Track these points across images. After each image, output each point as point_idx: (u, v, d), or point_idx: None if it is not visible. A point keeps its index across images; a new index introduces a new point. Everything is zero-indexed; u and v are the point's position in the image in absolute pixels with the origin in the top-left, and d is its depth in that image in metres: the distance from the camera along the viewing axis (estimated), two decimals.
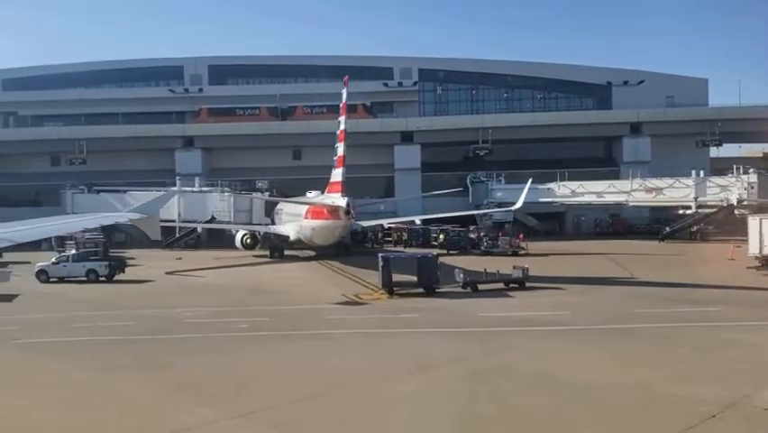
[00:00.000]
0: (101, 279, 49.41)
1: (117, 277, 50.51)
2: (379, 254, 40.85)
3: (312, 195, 66.07)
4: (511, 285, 41.41)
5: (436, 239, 72.04)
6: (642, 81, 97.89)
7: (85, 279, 49.28)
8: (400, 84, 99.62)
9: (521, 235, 67.88)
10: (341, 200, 50.20)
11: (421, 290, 39.33)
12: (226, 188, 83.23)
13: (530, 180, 67.70)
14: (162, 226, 79.26)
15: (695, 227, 75.78)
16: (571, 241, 78.86)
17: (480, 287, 40.50)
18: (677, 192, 75.21)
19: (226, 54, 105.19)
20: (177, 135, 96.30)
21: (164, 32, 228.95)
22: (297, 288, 44.76)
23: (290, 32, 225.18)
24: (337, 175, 51.10)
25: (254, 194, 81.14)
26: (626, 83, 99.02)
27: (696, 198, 73.14)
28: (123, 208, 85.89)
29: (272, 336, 28.53)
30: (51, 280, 49.51)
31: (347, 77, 55.10)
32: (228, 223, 78.84)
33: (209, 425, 17.03)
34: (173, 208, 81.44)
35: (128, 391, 20.62)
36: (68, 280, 49.55)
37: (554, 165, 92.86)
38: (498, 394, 19.20)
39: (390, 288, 38.93)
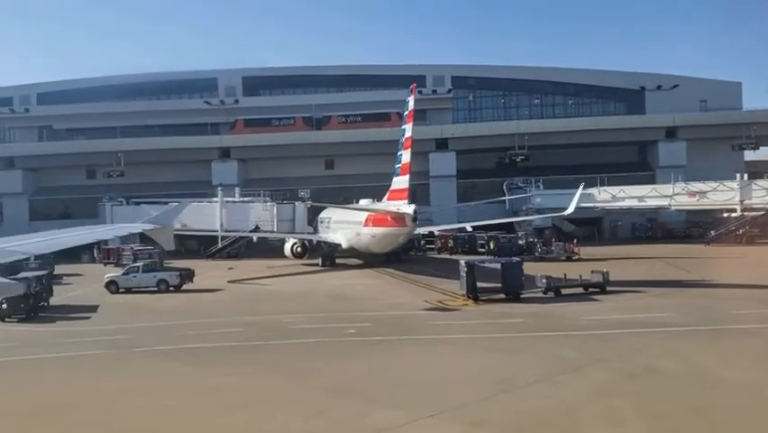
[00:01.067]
0: (170, 289, 49.75)
1: (185, 287, 50.77)
2: (462, 261, 41.11)
3: (364, 203, 66.52)
4: (590, 289, 41.65)
5: (483, 246, 72.43)
6: (676, 86, 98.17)
7: (155, 289, 49.61)
8: (434, 91, 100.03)
9: (575, 241, 68.05)
10: (408, 207, 50.56)
11: (502, 295, 39.62)
12: (267, 198, 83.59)
13: (582, 185, 67.84)
14: (202, 236, 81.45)
15: (740, 230, 75.89)
16: (614, 246, 78.89)
17: (562, 291, 40.76)
18: (721, 195, 75.36)
19: (258, 66, 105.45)
20: (214, 147, 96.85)
21: (195, 46, 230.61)
22: (371, 294, 45.05)
23: (318, 44, 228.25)
24: (402, 182, 51.44)
25: (296, 203, 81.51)
26: (659, 88, 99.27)
27: (742, 201, 73.22)
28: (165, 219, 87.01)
29: (390, 341, 28.85)
30: (120, 290, 49.81)
31: (414, 84, 55.73)
32: (272, 232, 79.35)
33: (407, 425, 17.28)
34: (215, 219, 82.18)
35: (290, 394, 20.94)
36: (135, 290, 49.82)
37: (588, 170, 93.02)
38: (677, 393, 19.40)
39: (475, 294, 39.16)
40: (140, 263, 52.51)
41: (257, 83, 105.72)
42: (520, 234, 72.65)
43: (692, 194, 77.56)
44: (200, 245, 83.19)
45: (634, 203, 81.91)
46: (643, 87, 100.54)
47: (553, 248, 64.72)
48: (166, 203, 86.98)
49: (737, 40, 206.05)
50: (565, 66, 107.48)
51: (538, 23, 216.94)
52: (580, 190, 67.09)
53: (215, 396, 20.89)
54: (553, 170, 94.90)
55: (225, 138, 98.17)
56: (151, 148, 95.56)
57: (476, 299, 39.09)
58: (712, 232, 77.14)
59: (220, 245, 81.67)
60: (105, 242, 78.05)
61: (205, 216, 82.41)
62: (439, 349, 26.88)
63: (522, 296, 39.55)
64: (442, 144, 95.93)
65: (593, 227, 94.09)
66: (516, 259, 41.44)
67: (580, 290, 41.74)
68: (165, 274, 50.87)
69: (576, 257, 63.97)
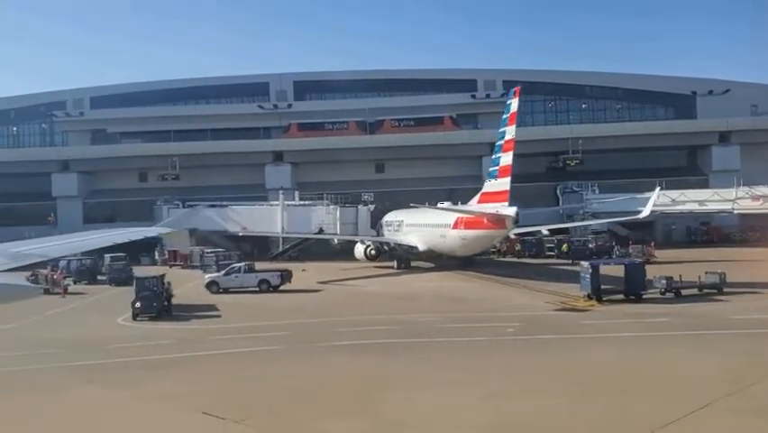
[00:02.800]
0: (270, 289, 50.34)
1: (282, 288, 51.27)
2: (584, 263, 41.63)
3: (444, 205, 67.24)
4: (705, 290, 42.03)
5: (553, 249, 72.94)
6: (727, 90, 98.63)
7: (257, 289, 50.18)
8: (488, 96, 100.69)
9: (652, 244, 68.48)
10: (509, 209, 51.11)
11: (621, 296, 40.09)
12: (328, 202, 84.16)
13: (658, 189, 68.37)
14: (256, 239, 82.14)
15: None
16: (675, 249, 79.11)
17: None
18: None
19: (308, 70, 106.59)
20: (267, 150, 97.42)
21: (244, 50, 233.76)
22: (481, 296, 45.51)
23: (364, 48, 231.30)
24: (501, 184, 51.88)
25: (359, 206, 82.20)
26: (710, 92, 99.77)
27: None
28: (224, 222, 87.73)
29: (564, 339, 29.43)
30: (220, 290, 50.33)
31: (519, 88, 55.91)
32: (334, 234, 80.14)
33: (687, 417, 17.79)
34: (276, 221, 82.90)
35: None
36: (232, 290, 50.31)
37: (639, 174, 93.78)
38: None
39: (599, 295, 39.63)
40: (241, 264, 53.01)
41: (308, 87, 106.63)
42: (589, 237, 73.06)
43: (756, 198, 77.83)
44: (254, 248, 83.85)
45: (694, 207, 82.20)
46: (694, 92, 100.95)
47: (630, 251, 65.08)
48: (225, 205, 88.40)
49: None
50: (612, 71, 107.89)
51: (587, 29, 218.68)
52: (656, 193, 67.61)
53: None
54: (603, 174, 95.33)
55: (279, 142, 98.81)
56: (206, 152, 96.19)
57: (599, 300, 39.56)
58: None
59: (281, 248, 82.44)
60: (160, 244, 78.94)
61: (266, 218, 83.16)
62: (633, 347, 27.35)
63: (644, 297, 40.01)
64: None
65: (646, 231, 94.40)
66: (638, 260, 41.90)
67: (695, 291, 42.12)
68: (267, 275, 51.49)
69: (653, 260, 64.30)
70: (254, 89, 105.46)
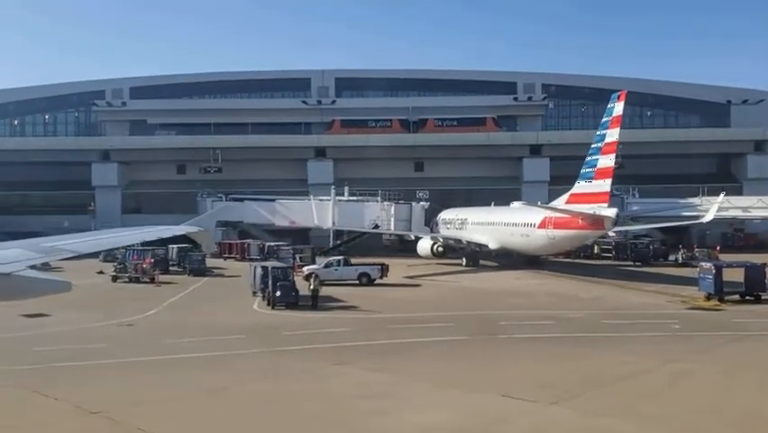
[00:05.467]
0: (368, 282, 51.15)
1: (377, 281, 52.05)
2: (706, 264, 43.10)
3: (517, 205, 68.56)
4: None
5: (606, 251, 74.52)
6: (761, 100, 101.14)
7: (356, 282, 50.93)
8: (529, 98, 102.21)
9: (717, 247, 70.33)
10: (610, 210, 52.55)
11: (737, 297, 41.58)
12: (378, 198, 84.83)
13: (722, 194, 70.21)
14: (296, 234, 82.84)
15: None
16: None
17: None
18: None
19: (347, 68, 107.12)
20: (310, 146, 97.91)
21: (284, 46, 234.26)
22: (590, 295, 46.56)
23: (403, 49, 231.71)
24: (598, 186, 53.24)
25: (413, 204, 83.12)
26: (745, 102, 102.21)
27: None
28: (272, 217, 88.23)
29: (738, 336, 30.61)
30: None
31: (625, 92, 57.21)
32: (388, 230, 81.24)
33: None
34: (327, 216, 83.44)
35: None
36: (327, 283, 50.87)
37: (672, 180, 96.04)
38: None
39: (722, 295, 41.08)
40: (340, 257, 53.66)
41: (349, 84, 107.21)
42: (645, 240, 74.97)
43: None
44: (294, 242, 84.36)
45: (738, 213, 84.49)
46: (729, 101, 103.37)
47: (696, 254, 66.87)
48: (273, 200, 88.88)
49: None
50: (646, 77, 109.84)
51: (625, 39, 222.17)
52: (721, 198, 69.49)
53: None
54: (638, 179, 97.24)
55: (322, 138, 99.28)
56: (249, 145, 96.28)
57: (721, 300, 40.99)
58: None
59: (332, 244, 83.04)
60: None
61: (317, 213, 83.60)
62: None
63: (762, 297, 41.53)
64: (535, 150, 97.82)
65: (681, 236, 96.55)
66: (760, 263, 43.35)
67: None
68: (367, 268, 52.30)
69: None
70: (295, 85, 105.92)
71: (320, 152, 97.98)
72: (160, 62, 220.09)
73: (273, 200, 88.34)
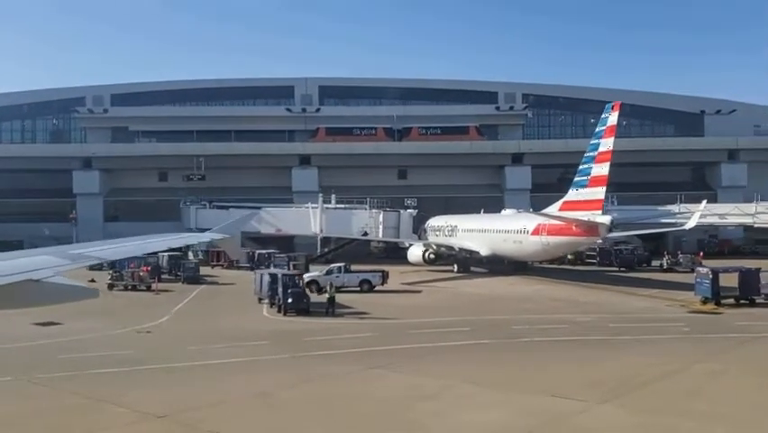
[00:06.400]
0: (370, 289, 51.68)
1: (378, 288, 52.59)
2: (703, 269, 44.52)
3: (509, 212, 69.77)
4: None
5: (591, 256, 76.19)
6: (733, 110, 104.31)
7: (358, 289, 51.41)
8: (511, 108, 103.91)
9: (701, 253, 72.34)
10: (604, 217, 53.88)
11: (732, 300, 43.13)
12: (365, 206, 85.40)
13: (704, 202, 72.36)
14: (282, 241, 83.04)
15: None
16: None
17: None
18: None
19: (333, 76, 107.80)
20: (295, 154, 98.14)
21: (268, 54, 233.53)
22: (589, 299, 47.77)
23: (387, 58, 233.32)
24: (591, 194, 54.51)
25: (401, 211, 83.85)
26: (718, 112, 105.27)
27: None
28: (258, 224, 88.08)
29: (748, 337, 31.81)
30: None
31: (619, 102, 58.76)
32: (377, 238, 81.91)
33: None
34: (315, 224, 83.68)
35: None
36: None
37: (647, 188, 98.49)
38: None
39: (719, 299, 42.58)
40: (341, 264, 54.03)
41: (333, 92, 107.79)
42: (630, 246, 76.83)
43: None
44: (279, 250, 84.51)
45: (715, 220, 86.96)
46: (703, 111, 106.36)
47: (680, 260, 68.80)
48: (259, 208, 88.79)
49: None
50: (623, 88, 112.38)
51: (602, 53, 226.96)
52: (702, 206, 71.56)
53: None
54: (616, 186, 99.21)
55: (307, 145, 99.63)
56: (233, 153, 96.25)
57: (718, 304, 42.48)
58: None
59: (319, 251, 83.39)
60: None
61: (304, 221, 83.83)
62: None
63: (757, 301, 43.12)
64: (517, 159, 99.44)
65: (658, 243, 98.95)
66: (754, 267, 44.95)
67: None
68: (368, 275, 52.88)
69: None
70: (279, 92, 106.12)
71: (305, 160, 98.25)
72: (141, 69, 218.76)
73: (259, 208, 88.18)
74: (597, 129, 57.40)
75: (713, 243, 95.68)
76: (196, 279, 62.59)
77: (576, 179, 58.15)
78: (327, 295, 40.12)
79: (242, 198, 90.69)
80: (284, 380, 24.49)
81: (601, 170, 54.25)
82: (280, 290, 41.86)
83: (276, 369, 26.15)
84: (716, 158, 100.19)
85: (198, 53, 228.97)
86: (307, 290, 49.26)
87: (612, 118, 55.03)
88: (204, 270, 68.76)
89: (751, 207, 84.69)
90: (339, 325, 36.77)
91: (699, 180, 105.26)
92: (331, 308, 39.55)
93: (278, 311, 41.60)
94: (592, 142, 57.06)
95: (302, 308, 40.61)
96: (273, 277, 43.99)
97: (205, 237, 22.33)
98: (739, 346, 29.69)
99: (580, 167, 57.85)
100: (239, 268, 74.73)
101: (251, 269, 72.04)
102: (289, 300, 40.49)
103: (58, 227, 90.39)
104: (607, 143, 54.53)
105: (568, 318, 38.08)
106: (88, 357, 28.36)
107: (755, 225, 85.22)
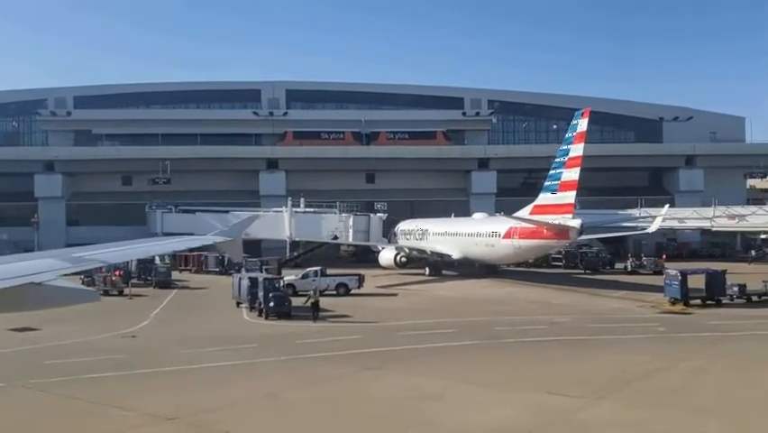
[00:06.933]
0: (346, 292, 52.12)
1: (353, 291, 53.03)
2: (672, 271, 46.06)
3: (480, 216, 71.02)
4: (762, 297, 47.22)
5: (557, 259, 77.82)
6: (691, 117, 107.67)
7: (334, 292, 51.74)
8: (477, 114, 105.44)
9: (663, 256, 74.50)
10: (575, 221, 55.26)
11: (698, 301, 44.78)
12: (335, 210, 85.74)
13: (666, 206, 74.61)
14: (247, 246, 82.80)
15: None
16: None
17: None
18: (760, 219, 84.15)
19: (300, 80, 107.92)
20: (262, 157, 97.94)
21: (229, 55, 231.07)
22: (561, 301, 48.90)
23: (353, 63, 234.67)
24: (562, 198, 55.84)
25: (371, 215, 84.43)
26: (676, 119, 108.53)
27: None
28: (225, 228, 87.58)
29: (724, 336, 33.19)
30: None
31: (589, 109, 60.22)
32: (347, 241, 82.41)
33: None
34: (284, 228, 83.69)
35: None
36: (302, 293, 51.50)
37: (609, 193, 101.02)
38: None
39: (687, 300, 44.16)
40: (317, 268, 54.22)
41: (301, 96, 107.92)
42: (594, 249, 78.79)
43: (732, 217, 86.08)
44: (247, 254, 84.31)
45: (674, 224, 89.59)
46: (661, 118, 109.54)
47: (644, 262, 70.84)
48: (227, 212, 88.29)
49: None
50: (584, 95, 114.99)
51: (566, 60, 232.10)
52: (665, 210, 73.79)
53: None
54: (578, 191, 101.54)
55: (275, 149, 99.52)
56: (199, 156, 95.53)
57: (687, 304, 44.06)
58: (753, 252, 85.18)
59: (288, 255, 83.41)
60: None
61: (273, 225, 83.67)
62: None
63: (723, 302, 44.83)
64: (483, 164, 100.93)
65: (618, 246, 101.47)
66: (720, 269, 46.71)
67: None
68: (345, 279, 53.26)
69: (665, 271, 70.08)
70: (245, 96, 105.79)
71: (272, 164, 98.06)
72: (104, 72, 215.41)
73: (227, 212, 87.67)
74: (567, 135, 58.92)
75: (672, 246, 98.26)
76: (167, 283, 62.15)
77: (547, 183, 59.57)
78: (312, 300, 40.22)
79: (209, 201, 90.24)
80: (287, 381, 24.79)
81: (572, 174, 55.69)
82: (261, 293, 41.99)
83: (275, 371, 26.44)
84: (674, 163, 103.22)
85: (165, 55, 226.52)
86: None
87: (582, 125, 56.55)
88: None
89: (709, 212, 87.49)
90: (323, 328, 37.12)
91: (657, 185, 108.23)
92: (316, 313, 39.74)
93: (259, 315, 41.70)
94: (562, 147, 58.52)
95: (284, 311, 40.82)
96: (253, 281, 44.09)
97: (208, 240, 22.46)
98: (715, 344, 31.00)
99: (551, 172, 59.31)
100: (208, 272, 74.58)
101: (220, 273, 72.59)
102: (271, 304, 40.63)
103: (18, 231, 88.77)
104: (577, 149, 56.04)
105: (546, 319, 39.07)
106: (78, 362, 28.18)
107: (714, 229, 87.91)
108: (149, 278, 63.63)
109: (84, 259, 14.85)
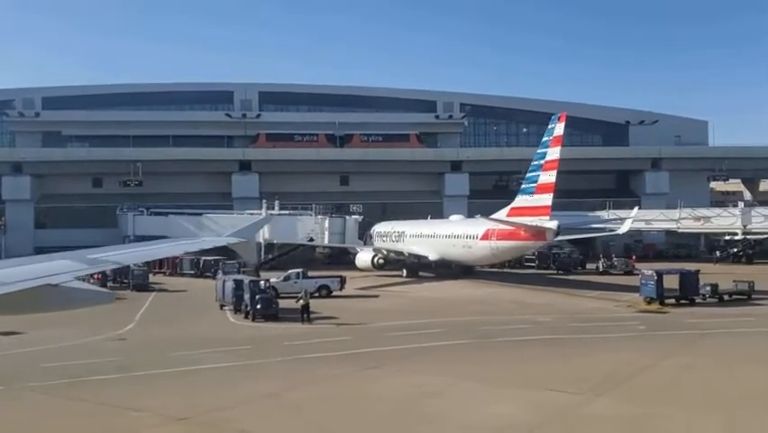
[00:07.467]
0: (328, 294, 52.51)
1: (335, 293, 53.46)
2: (647, 271, 47.45)
3: (456, 218, 71.96)
4: (733, 296, 48.90)
5: (530, 260, 79.22)
6: (656, 121, 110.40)
7: (316, 294, 51.97)
8: (450, 117, 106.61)
9: (633, 257, 76.32)
10: (552, 222, 56.41)
11: (673, 300, 46.25)
12: (310, 212, 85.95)
13: (636, 208, 76.49)
14: (221, 247, 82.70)
15: (735, 249, 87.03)
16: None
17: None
18: (724, 221, 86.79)
19: (273, 81, 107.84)
20: (235, 159, 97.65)
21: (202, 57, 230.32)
22: (540, 301, 50.04)
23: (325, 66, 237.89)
24: (539, 200, 56.89)
25: (347, 217, 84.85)
26: (642, 123, 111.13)
27: (744, 226, 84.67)
28: (199, 231, 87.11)
29: (703, 334, 34.49)
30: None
31: (565, 113, 61.37)
32: (323, 243, 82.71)
33: None
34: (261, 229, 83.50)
35: None
36: (284, 295, 51.82)
37: (577, 195, 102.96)
38: None
39: (663, 299, 45.58)
40: (299, 270, 54.43)
41: (274, 98, 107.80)
42: (567, 250, 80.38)
43: (697, 218, 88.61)
44: (220, 256, 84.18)
45: (642, 225, 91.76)
46: (628, 122, 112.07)
47: (615, 263, 72.56)
48: (200, 214, 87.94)
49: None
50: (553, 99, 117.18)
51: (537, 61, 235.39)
52: (634, 212, 75.69)
53: None
54: None
55: (248, 151, 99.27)
56: (171, 158, 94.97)
57: (662, 304, 45.46)
58: (718, 253, 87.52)
59: (263, 257, 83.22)
60: None
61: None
62: None
63: (696, 301, 46.36)
64: (456, 166, 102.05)
65: (586, 247, 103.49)
66: (695, 269, 48.24)
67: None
68: (326, 280, 53.66)
69: (637, 271, 71.84)
70: (218, 97, 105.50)
71: (245, 166, 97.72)
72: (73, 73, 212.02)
73: (200, 214, 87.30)
74: (544, 139, 60.11)
75: (639, 247, 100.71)
76: (144, 286, 61.75)
77: (523, 186, 60.67)
78: (302, 302, 40.50)
79: (182, 204, 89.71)
80: (290, 382, 25.22)
81: (548, 177, 56.88)
82: (247, 296, 42.19)
83: (276, 372, 26.81)
84: (640, 166, 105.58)
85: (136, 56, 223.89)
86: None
87: (559, 128, 57.76)
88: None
89: (675, 214, 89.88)
90: (313, 330, 37.49)
91: (623, 187, 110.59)
92: (306, 315, 40.05)
93: (245, 317, 41.91)
94: (539, 150, 59.70)
95: (271, 313, 41.08)
96: (238, 283, 44.23)
97: (221, 241, 22.74)
98: (696, 342, 32.23)
99: (528, 174, 60.48)
100: (182, 275, 74.17)
101: (196, 276, 72.40)
102: (258, 306, 40.87)
103: None
104: (554, 152, 57.26)
105: (529, 319, 40.03)
106: (75, 365, 28.20)
107: (680, 231, 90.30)
108: (125, 280, 63.09)
109: (99, 260, 15.09)
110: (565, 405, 21.02)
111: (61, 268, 12.93)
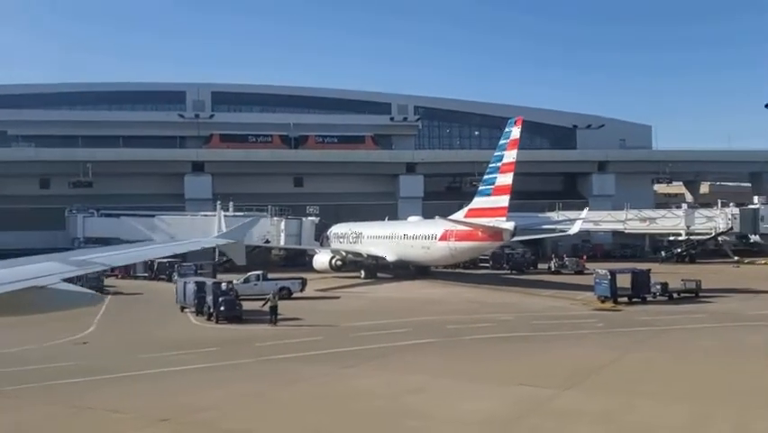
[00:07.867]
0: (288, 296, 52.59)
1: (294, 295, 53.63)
2: (601, 271, 48.96)
3: (414, 219, 72.85)
4: (682, 294, 50.94)
5: (484, 260, 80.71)
6: (602, 125, 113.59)
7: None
8: (404, 119, 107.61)
9: (584, 257, 78.44)
10: (508, 223, 57.66)
11: (626, 299, 47.99)
12: (265, 213, 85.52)
13: (586, 209, 78.68)
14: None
15: (679, 249, 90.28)
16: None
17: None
18: (668, 221, 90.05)
19: (227, 82, 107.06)
20: (188, 160, 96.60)
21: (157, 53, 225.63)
22: (494, 301, 51.26)
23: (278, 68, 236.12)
24: (496, 201, 58.04)
25: (304, 219, 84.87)
26: (589, 126, 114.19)
27: (688, 227, 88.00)
28: (152, 233, 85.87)
29: (659, 330, 35.98)
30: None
31: (521, 117, 62.61)
32: (278, 245, 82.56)
33: None
34: (212, 232, 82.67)
35: None
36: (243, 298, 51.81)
37: (525, 196, 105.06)
38: None
39: (616, 297, 47.23)
40: (259, 272, 54.27)
41: (227, 99, 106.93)
42: (520, 250, 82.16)
43: (643, 220, 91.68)
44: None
45: (590, 226, 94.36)
46: (575, 126, 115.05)
47: (566, 263, 74.55)
48: (152, 216, 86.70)
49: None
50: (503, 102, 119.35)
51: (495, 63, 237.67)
52: (584, 213, 77.85)
53: None
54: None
55: (201, 152, 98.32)
56: (123, 159, 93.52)
57: (615, 302, 47.10)
58: (663, 252, 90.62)
59: (218, 259, 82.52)
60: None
61: (201, 229, 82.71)
62: (728, 333, 34.39)
63: (648, 299, 48.16)
64: (411, 168, 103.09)
65: (536, 247, 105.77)
66: (646, 268, 50.04)
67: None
68: (287, 282, 53.77)
69: (587, 270, 73.96)
70: (170, 97, 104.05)
71: (198, 167, 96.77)
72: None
73: (152, 216, 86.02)
74: (501, 142, 61.41)
75: (587, 247, 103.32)
76: (99, 289, 60.45)
77: (481, 187, 61.84)
78: (270, 303, 40.52)
79: (133, 205, 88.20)
80: (269, 381, 25.44)
81: (505, 179, 58.18)
82: (210, 297, 42.08)
83: (253, 372, 26.95)
84: (587, 169, 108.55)
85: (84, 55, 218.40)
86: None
87: (515, 132, 59.22)
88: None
89: (621, 215, 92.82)
90: (280, 331, 37.65)
91: (571, 189, 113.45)
92: (274, 316, 40.11)
93: (208, 319, 41.80)
94: (496, 153, 60.96)
95: (235, 315, 41.07)
96: (200, 285, 44.06)
97: (210, 243, 22.78)
98: (653, 338, 33.67)
99: (486, 177, 61.68)
100: (135, 278, 73.14)
101: (149, 279, 71.55)
102: (222, 308, 40.80)
103: None
104: (510, 155, 58.58)
105: (491, 318, 40.94)
106: (42, 369, 27.79)
107: (626, 231, 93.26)
108: (77, 283, 61.70)
109: (86, 262, 15.14)
110: (539, 398, 21.81)
111: (48, 270, 13.00)
